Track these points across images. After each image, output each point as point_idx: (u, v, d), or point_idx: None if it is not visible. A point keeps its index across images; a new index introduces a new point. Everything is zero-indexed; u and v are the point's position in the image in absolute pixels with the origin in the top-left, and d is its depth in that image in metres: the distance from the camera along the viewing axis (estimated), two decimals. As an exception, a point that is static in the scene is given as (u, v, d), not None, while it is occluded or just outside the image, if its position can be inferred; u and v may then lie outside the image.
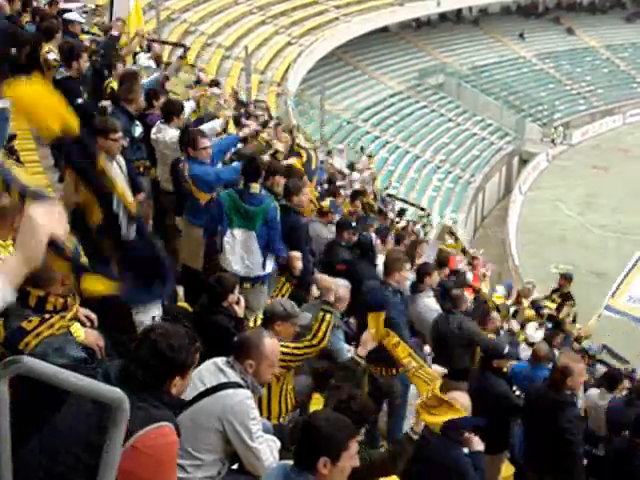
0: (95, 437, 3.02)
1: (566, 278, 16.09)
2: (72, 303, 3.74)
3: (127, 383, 3.21)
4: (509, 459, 8.15)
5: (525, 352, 10.92)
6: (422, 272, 9.13)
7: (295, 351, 5.86)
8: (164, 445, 3.25)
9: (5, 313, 3.55)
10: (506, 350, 8.00)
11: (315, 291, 8.25)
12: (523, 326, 13.37)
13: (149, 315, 5.39)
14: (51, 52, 9.65)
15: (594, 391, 9.71)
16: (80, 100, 8.81)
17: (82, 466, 3.06)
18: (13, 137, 9.30)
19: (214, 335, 5.62)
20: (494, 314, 9.96)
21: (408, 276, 8.34)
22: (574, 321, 15.78)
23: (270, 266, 7.51)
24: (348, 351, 7.51)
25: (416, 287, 9.06)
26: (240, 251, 7.38)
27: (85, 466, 3.03)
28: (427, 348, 8.27)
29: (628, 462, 6.94)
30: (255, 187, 7.35)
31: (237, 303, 6.42)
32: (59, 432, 3.28)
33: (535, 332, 11.96)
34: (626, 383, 10.51)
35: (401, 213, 22.21)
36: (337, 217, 10.39)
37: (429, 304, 9.07)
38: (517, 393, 7.79)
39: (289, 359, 5.76)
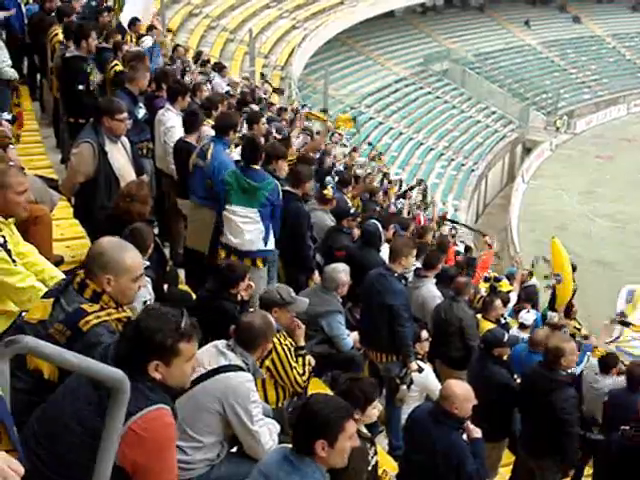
0: (95, 416, 3.06)
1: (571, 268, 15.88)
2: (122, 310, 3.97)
3: (115, 361, 3.23)
4: (509, 446, 8.17)
5: (519, 334, 10.93)
6: (430, 260, 9.13)
7: (289, 369, 5.70)
8: (161, 427, 3.23)
9: (57, 297, 3.82)
10: (506, 338, 8.02)
11: (317, 277, 8.26)
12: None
13: (139, 299, 5.35)
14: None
15: (585, 374, 9.73)
16: (81, 86, 8.78)
17: (84, 445, 3.09)
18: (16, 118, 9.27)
19: (219, 320, 5.62)
20: (497, 302, 9.93)
21: (413, 262, 8.34)
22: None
23: (272, 243, 7.49)
24: (348, 335, 7.53)
25: (421, 273, 9.07)
26: (240, 226, 7.36)
27: (86, 445, 3.06)
28: (424, 334, 8.26)
29: (635, 456, 6.87)
30: (256, 167, 7.35)
31: (247, 288, 6.39)
32: (59, 411, 3.30)
33: (526, 314, 11.93)
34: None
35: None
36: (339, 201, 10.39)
37: (433, 291, 9.10)
38: (518, 381, 7.79)
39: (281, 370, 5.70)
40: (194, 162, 7.94)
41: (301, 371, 5.74)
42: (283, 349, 5.66)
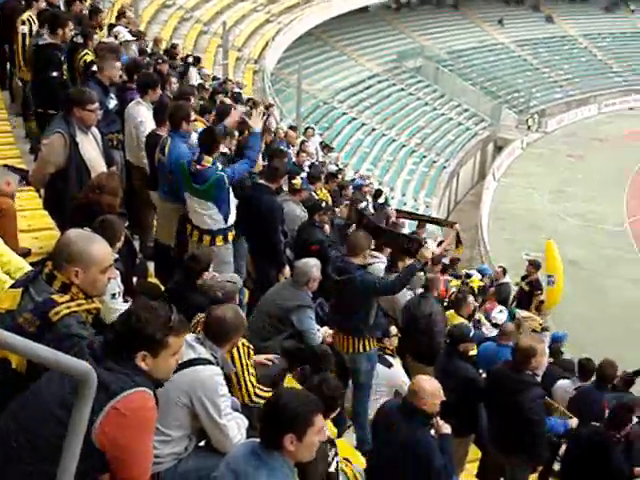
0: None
1: (534, 265, 16.22)
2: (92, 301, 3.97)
3: (105, 350, 3.39)
4: (475, 442, 8.21)
5: (491, 333, 11.00)
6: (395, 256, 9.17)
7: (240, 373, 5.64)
8: (143, 409, 3.33)
9: (26, 286, 3.82)
10: (471, 334, 8.05)
11: (287, 271, 8.26)
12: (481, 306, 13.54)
13: (109, 292, 5.29)
14: (25, 24, 9.54)
15: (563, 382, 9.80)
16: (55, 73, 8.69)
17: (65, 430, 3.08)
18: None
19: (188, 313, 5.59)
20: (469, 299, 10.00)
21: (369, 260, 8.31)
22: (538, 309, 15.91)
23: (232, 218, 7.56)
24: (318, 330, 7.53)
25: (390, 269, 9.09)
26: (198, 211, 7.47)
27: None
28: (393, 329, 8.30)
29: (604, 455, 6.97)
30: (208, 160, 7.29)
31: (211, 280, 6.40)
32: (41, 398, 3.33)
33: (499, 314, 12.06)
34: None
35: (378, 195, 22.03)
36: (309, 194, 10.40)
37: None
38: (484, 376, 7.84)
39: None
40: (158, 157, 7.92)
41: (255, 385, 5.68)
42: (239, 352, 5.62)
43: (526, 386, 6.82)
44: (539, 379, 7.99)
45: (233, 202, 7.59)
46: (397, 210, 17.46)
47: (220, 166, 7.36)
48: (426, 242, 7.35)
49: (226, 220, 7.53)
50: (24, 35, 9.50)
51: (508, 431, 6.97)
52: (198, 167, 7.25)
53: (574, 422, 7.86)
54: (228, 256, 7.71)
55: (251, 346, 5.92)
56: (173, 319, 3.52)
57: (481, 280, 15.67)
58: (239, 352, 5.58)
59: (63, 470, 2.87)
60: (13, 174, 6.44)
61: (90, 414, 2.86)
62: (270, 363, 6.25)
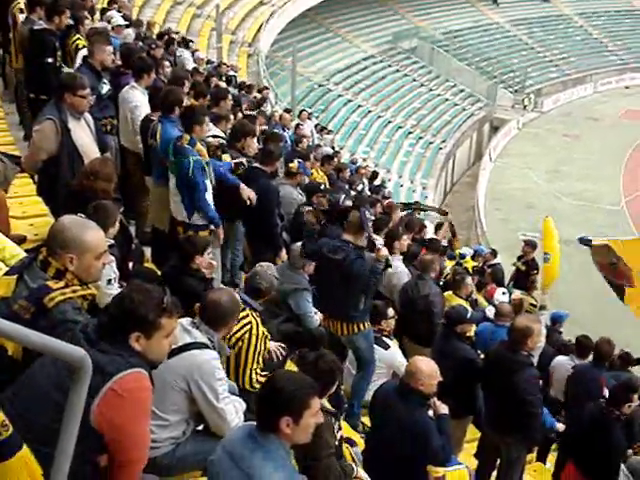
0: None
1: (530, 245, 16.24)
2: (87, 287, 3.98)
3: (99, 332, 3.41)
4: (473, 422, 8.24)
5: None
6: (391, 237, 9.14)
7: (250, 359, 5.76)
8: (140, 390, 3.37)
9: (21, 273, 3.83)
10: (469, 314, 8.06)
11: (284, 255, 8.25)
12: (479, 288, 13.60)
13: (104, 278, 5.28)
14: (23, 12, 9.48)
15: (562, 358, 9.80)
16: (50, 60, 8.65)
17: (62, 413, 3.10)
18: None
19: (183, 298, 5.58)
20: (468, 280, 10.01)
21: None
22: (530, 290, 15.94)
23: (198, 220, 7.39)
24: (315, 313, 7.54)
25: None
26: (170, 195, 7.46)
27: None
28: (390, 311, 8.30)
29: (604, 431, 7.01)
30: (185, 139, 7.23)
31: (208, 267, 6.39)
32: (36, 382, 3.36)
33: (502, 296, 12.11)
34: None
35: (374, 177, 22.02)
36: (306, 179, 10.40)
37: (400, 266, 9.14)
38: (482, 356, 7.86)
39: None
40: (150, 143, 7.89)
41: (258, 372, 5.77)
42: (257, 340, 5.68)
43: (521, 366, 6.82)
44: (535, 359, 8.02)
45: (201, 207, 7.39)
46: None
47: (203, 156, 7.32)
48: (376, 242, 7.33)
49: (189, 216, 7.34)
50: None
51: (504, 411, 6.99)
52: (178, 144, 7.23)
53: (561, 427, 7.96)
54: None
55: (269, 336, 5.99)
56: (166, 300, 3.55)
57: (473, 259, 15.76)
58: (257, 340, 5.65)
59: (60, 452, 2.88)
60: (11, 163, 6.41)
61: (87, 396, 2.87)
62: (277, 355, 6.29)
